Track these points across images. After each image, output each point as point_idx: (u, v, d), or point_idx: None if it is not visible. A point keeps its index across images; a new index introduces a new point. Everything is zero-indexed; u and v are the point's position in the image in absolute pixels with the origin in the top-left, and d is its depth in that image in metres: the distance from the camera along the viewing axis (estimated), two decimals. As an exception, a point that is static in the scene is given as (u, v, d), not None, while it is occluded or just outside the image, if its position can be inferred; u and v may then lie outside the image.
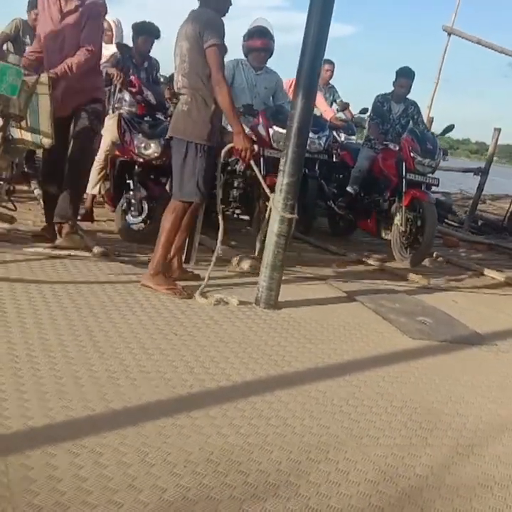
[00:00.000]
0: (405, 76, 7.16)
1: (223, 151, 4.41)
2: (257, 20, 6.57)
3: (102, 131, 6.03)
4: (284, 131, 5.78)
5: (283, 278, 4.41)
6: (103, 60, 5.95)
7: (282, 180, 4.22)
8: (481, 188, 10.37)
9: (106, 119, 5.95)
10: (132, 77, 5.86)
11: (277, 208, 4.23)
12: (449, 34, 10.86)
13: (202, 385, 3.02)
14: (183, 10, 4.52)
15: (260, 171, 5.15)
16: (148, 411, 2.69)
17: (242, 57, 6.57)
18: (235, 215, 6.50)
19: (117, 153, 5.77)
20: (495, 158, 11.17)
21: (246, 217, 6.36)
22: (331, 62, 8.33)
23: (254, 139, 6.03)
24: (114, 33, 6.78)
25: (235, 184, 6.32)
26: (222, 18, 4.23)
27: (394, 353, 3.93)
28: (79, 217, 5.76)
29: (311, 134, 7.17)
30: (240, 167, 6.13)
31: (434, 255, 7.04)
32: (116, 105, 5.91)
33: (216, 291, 4.39)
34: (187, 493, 2.16)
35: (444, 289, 5.72)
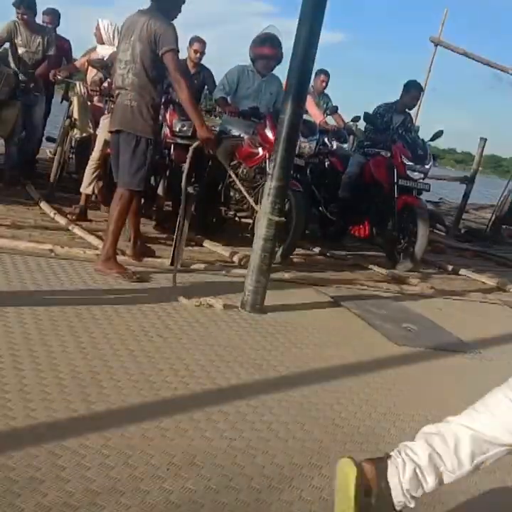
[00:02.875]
0: (416, 88, 7.32)
1: (191, 149, 4.59)
2: (268, 27, 6.48)
3: (97, 131, 6.07)
4: None
5: (269, 282, 4.42)
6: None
7: (270, 184, 4.23)
8: (466, 196, 10.44)
9: (101, 119, 6.01)
10: None
11: (265, 211, 4.24)
12: (436, 45, 10.94)
13: (186, 388, 3.01)
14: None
15: (229, 166, 5.31)
16: (132, 413, 2.67)
17: (247, 62, 6.54)
18: (237, 218, 6.49)
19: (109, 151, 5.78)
20: (480, 168, 11.22)
21: (249, 221, 6.30)
22: (326, 73, 8.36)
23: (260, 142, 6.02)
24: (110, 34, 6.75)
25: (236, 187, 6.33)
26: (174, 24, 4.49)
27: (379, 359, 3.94)
28: (73, 217, 5.81)
29: (302, 138, 7.18)
30: (243, 170, 6.09)
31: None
32: (111, 106, 5.95)
33: (203, 293, 4.38)
34: (170, 496, 2.16)
35: (429, 296, 5.75)
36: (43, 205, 6.10)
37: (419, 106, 10.98)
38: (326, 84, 8.47)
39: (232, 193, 6.28)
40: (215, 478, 2.31)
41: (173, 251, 4.82)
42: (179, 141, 6.23)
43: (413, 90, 7.28)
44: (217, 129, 6.60)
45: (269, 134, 5.86)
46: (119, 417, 2.62)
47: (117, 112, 4.64)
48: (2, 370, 2.80)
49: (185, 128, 6.32)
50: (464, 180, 10.55)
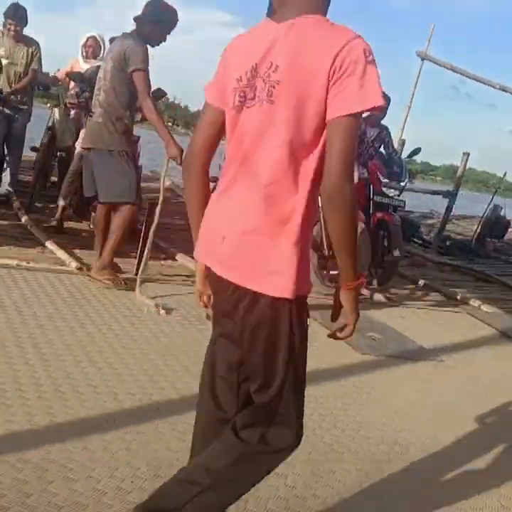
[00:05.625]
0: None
1: (165, 164, 4.51)
2: None
3: (76, 144, 6.05)
4: None
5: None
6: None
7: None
8: (449, 209, 10.52)
9: (80, 132, 5.97)
10: None
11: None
12: (423, 59, 11.04)
13: (151, 399, 2.99)
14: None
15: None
16: (95, 426, 2.64)
17: None
18: None
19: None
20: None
21: None
22: None
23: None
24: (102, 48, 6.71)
25: None
26: (146, 46, 4.48)
27: (343, 368, 3.96)
28: (50, 229, 5.79)
29: None
30: None
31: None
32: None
33: (167, 304, 4.36)
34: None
35: (392, 305, 5.80)
36: (22, 216, 5.99)
37: (405, 120, 11.04)
38: None
39: None
40: (180, 490, 2.30)
41: (138, 261, 4.79)
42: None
43: None
44: None
45: None
46: (81, 429, 2.59)
47: (87, 130, 4.75)
48: (-38, 383, 2.75)
49: None
50: (446, 194, 10.63)
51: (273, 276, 1.63)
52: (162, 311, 4.21)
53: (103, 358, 3.33)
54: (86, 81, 5.97)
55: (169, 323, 4.08)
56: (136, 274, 4.77)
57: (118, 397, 2.93)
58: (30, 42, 6.62)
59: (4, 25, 6.50)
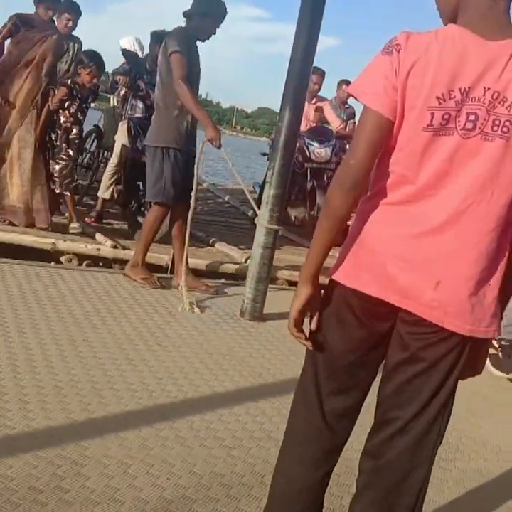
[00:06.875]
0: None
1: (200, 148, 4.42)
2: None
3: (115, 137, 6.15)
4: None
5: (268, 289, 4.41)
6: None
7: (269, 192, 4.23)
8: None
9: (119, 124, 6.06)
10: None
11: (263, 220, 4.23)
12: None
13: (186, 396, 3.01)
14: (171, 21, 4.58)
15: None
16: (131, 422, 2.67)
17: None
18: None
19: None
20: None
21: None
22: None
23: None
24: (136, 48, 6.79)
25: None
26: (191, 33, 4.43)
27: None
28: (91, 220, 6.01)
29: (317, 144, 7.10)
30: None
31: None
32: (129, 111, 6.01)
33: (203, 302, 4.39)
34: (169, 505, 2.15)
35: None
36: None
37: None
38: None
39: None
40: (215, 488, 2.31)
41: (172, 259, 4.82)
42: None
43: None
44: None
45: None
46: (118, 426, 2.62)
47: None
48: (1, 381, 2.80)
49: None
50: None
51: (491, 319, 1.58)
52: (196, 310, 4.24)
53: (139, 355, 3.37)
54: (137, 64, 6.08)
55: (204, 321, 4.10)
56: (171, 273, 4.80)
57: (153, 394, 2.96)
58: (73, 38, 6.32)
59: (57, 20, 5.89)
